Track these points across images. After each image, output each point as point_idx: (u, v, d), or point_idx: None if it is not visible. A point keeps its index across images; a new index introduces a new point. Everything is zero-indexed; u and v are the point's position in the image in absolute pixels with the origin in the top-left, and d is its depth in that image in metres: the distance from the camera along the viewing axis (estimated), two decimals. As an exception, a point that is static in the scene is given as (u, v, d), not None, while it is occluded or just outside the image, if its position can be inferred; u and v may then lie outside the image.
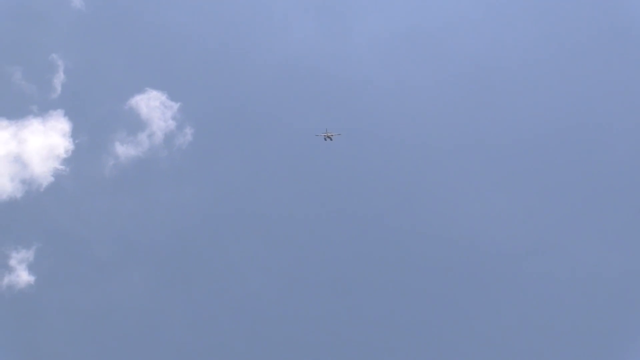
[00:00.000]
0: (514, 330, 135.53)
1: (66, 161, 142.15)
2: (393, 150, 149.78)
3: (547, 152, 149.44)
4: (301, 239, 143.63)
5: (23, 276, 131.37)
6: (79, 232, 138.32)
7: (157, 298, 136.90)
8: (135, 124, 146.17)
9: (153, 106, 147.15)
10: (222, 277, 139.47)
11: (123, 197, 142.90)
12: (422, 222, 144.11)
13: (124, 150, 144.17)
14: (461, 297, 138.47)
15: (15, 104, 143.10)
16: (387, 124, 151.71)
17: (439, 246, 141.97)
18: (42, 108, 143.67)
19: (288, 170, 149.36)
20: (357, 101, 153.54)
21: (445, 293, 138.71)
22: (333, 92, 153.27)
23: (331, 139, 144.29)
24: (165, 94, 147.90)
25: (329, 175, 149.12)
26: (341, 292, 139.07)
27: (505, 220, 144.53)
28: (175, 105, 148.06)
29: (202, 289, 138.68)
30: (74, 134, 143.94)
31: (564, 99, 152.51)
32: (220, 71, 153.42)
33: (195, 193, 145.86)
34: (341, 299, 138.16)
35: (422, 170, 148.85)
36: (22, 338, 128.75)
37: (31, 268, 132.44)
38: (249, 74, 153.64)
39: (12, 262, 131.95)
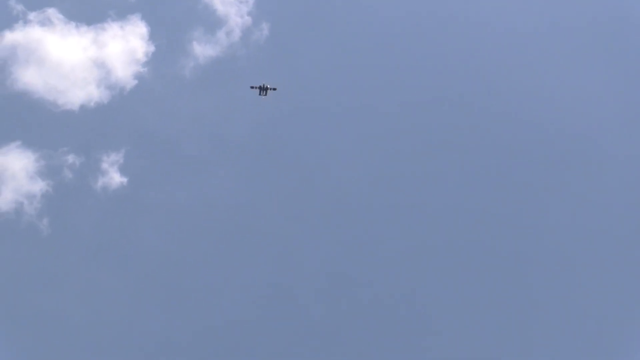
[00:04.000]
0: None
1: (147, 64, 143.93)
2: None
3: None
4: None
5: (115, 178, 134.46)
6: (165, 132, 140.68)
7: (246, 191, 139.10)
8: (211, 22, 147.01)
9: (228, 2, 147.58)
10: (309, 166, 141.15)
11: (205, 96, 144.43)
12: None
13: (202, 50, 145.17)
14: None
15: (93, 9, 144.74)
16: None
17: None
18: (119, 12, 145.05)
19: (368, 57, 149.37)
20: None
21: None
22: None
23: (266, 94, 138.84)
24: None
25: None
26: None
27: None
28: (251, 0, 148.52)
29: (290, 178, 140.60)
30: (152, 36, 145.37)
31: None
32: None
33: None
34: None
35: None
36: (118, 235, 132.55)
37: (122, 170, 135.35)
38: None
39: (104, 165, 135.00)
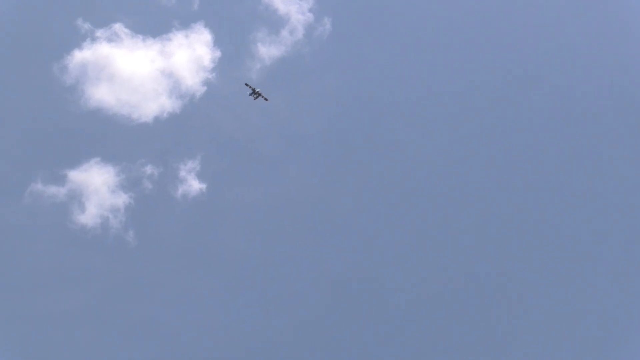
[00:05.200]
0: None
1: (214, 70, 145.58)
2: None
3: None
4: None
5: (194, 184, 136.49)
6: (238, 135, 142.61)
7: (323, 186, 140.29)
8: (274, 22, 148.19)
9: (289, 1, 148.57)
10: (388, 156, 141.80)
11: (274, 96, 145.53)
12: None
13: (267, 51, 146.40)
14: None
15: (158, 21, 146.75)
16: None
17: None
18: (183, 22, 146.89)
19: (429, 50, 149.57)
20: None
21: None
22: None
23: (255, 98, 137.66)
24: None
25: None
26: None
27: None
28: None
29: (364, 172, 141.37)
30: (217, 42, 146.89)
31: None
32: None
33: (341, 82, 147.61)
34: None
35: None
36: (203, 239, 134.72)
37: (200, 176, 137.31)
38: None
39: (182, 173, 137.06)
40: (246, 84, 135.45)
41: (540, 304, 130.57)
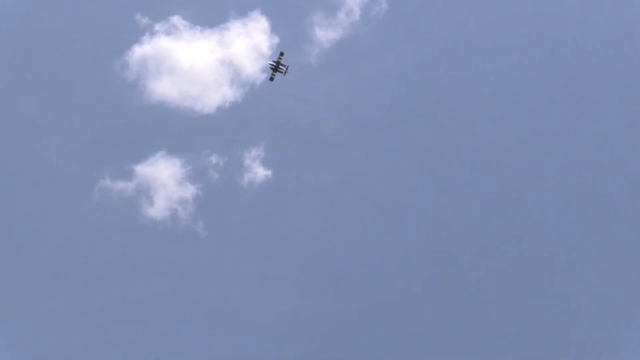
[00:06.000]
0: None
1: (273, 57, 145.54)
2: None
3: None
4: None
5: (260, 172, 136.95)
6: (300, 119, 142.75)
7: (388, 166, 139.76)
8: (330, 5, 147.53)
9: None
10: (451, 133, 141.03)
11: (334, 78, 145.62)
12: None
13: (324, 34, 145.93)
14: None
15: (215, 11, 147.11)
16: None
17: None
18: (240, 10, 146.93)
19: (488, 22, 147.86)
20: None
21: None
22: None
23: (274, 74, 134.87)
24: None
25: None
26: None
27: None
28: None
29: (428, 150, 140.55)
30: (274, 29, 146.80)
31: None
32: None
33: (400, 60, 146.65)
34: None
35: None
36: (271, 225, 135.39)
37: (265, 162, 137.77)
38: None
39: (247, 161, 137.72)
40: (281, 53, 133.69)
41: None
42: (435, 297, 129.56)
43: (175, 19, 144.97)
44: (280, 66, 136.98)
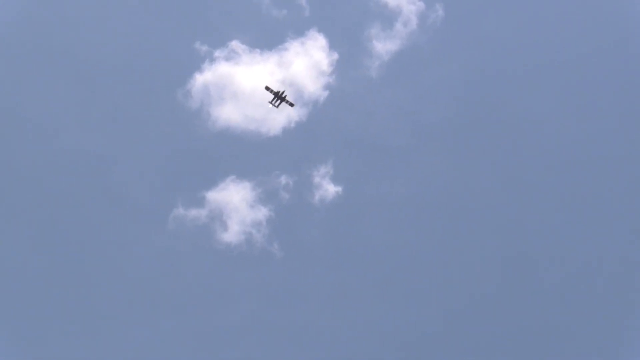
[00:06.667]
0: None
1: (334, 73, 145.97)
2: None
3: None
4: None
5: (330, 188, 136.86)
6: (366, 133, 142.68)
7: (457, 174, 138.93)
8: (386, 16, 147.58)
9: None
10: (518, 138, 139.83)
11: (397, 90, 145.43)
12: None
13: (383, 46, 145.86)
14: None
15: (272, 33, 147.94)
16: None
17: None
18: (297, 30, 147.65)
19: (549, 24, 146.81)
20: None
21: None
22: None
23: (278, 104, 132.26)
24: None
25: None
26: None
27: None
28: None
29: (495, 159, 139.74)
30: (333, 45, 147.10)
31: None
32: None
33: (461, 67, 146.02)
34: None
35: None
36: (346, 240, 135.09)
37: (334, 179, 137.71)
38: None
39: (316, 179, 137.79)
40: (267, 88, 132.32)
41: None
42: (516, 302, 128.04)
43: (234, 44, 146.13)
44: (278, 97, 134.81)
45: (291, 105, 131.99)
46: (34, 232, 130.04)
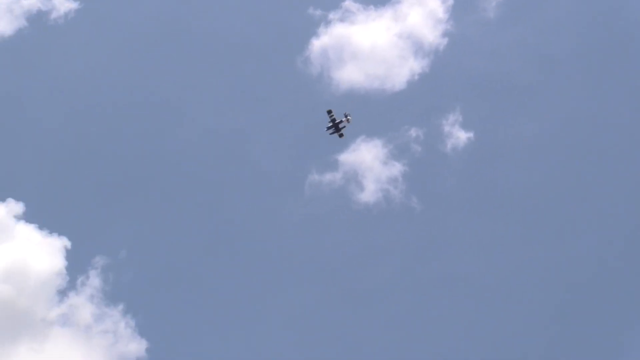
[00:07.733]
0: None
1: (451, 19, 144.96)
2: None
3: None
4: None
5: (461, 136, 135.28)
6: (491, 74, 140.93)
7: (592, 106, 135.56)
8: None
9: None
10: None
11: (516, 28, 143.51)
12: None
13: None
14: None
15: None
16: None
17: None
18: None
19: None
20: None
21: None
22: None
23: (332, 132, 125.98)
24: None
25: None
26: None
27: None
28: None
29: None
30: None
31: None
32: None
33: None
34: None
35: None
36: (483, 186, 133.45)
37: (464, 125, 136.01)
38: None
39: (446, 128, 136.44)
40: (329, 112, 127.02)
41: None
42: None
43: (347, 3, 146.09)
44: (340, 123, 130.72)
45: (341, 136, 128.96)
46: (184, 208, 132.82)
